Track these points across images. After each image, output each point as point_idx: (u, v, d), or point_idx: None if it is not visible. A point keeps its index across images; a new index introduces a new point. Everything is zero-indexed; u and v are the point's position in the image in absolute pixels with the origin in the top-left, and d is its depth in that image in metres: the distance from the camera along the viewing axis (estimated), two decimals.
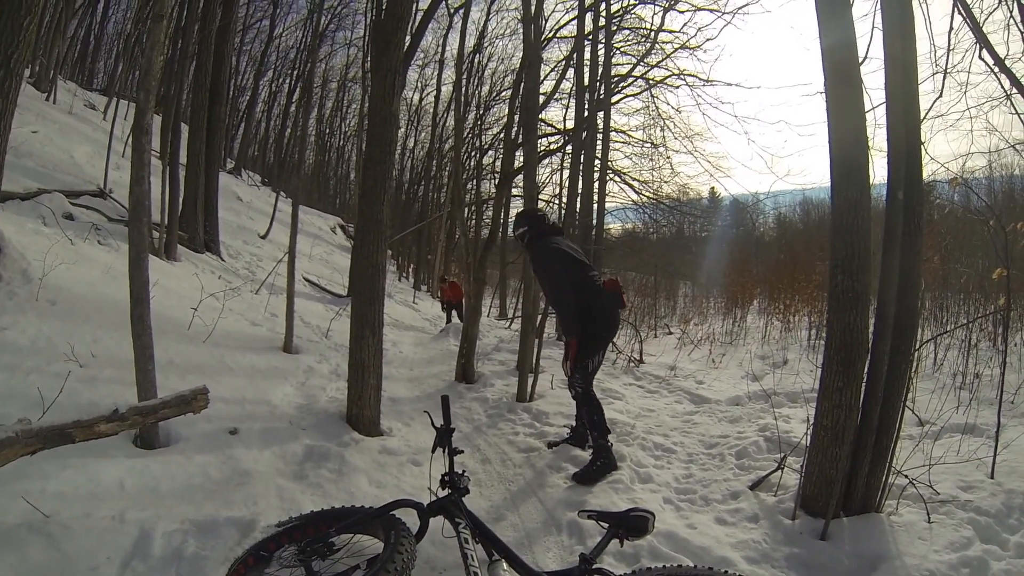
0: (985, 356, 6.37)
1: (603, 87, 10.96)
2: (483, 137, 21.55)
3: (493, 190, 20.38)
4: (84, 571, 2.36)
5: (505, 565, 2.41)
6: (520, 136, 9.39)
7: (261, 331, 6.79)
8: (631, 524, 2.34)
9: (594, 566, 2.24)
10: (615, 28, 11.86)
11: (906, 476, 3.55)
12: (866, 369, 3.37)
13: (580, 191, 10.22)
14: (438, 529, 2.73)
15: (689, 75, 11.30)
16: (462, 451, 2.94)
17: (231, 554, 2.65)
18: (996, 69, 4.05)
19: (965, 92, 4.48)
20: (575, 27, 10.85)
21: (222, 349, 5.43)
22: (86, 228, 7.20)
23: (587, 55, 10.13)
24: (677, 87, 11.90)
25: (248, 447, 3.83)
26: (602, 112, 11.27)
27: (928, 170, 3.83)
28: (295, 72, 28.43)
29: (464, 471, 2.81)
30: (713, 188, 23.07)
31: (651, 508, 3.25)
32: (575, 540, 3.21)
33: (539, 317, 7.21)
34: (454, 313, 14.92)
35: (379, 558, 2.39)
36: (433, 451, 2.85)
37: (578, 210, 10.95)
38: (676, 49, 11.08)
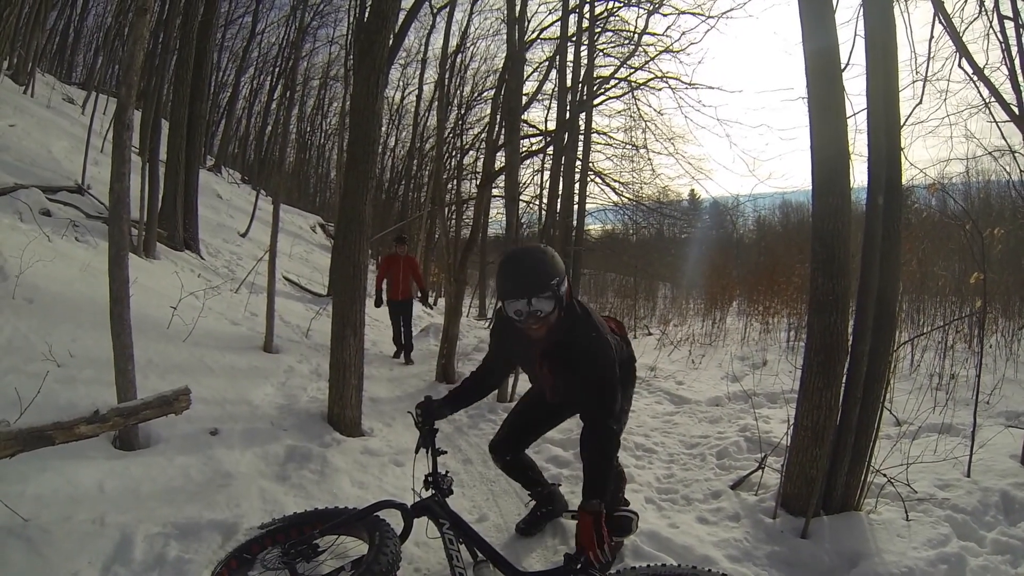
0: (961, 358, 6.47)
1: (586, 89, 11.00)
2: (464, 137, 21.50)
3: (474, 190, 20.33)
4: None
5: (491, 566, 2.42)
6: (502, 137, 9.39)
7: (241, 330, 6.72)
8: (615, 524, 2.36)
9: (579, 566, 2.25)
10: (599, 30, 11.90)
11: (884, 475, 3.61)
12: (845, 370, 3.42)
13: (561, 192, 10.22)
14: (422, 530, 2.73)
15: (672, 78, 11.44)
16: (445, 452, 2.94)
17: (214, 557, 2.63)
18: (975, 78, 4.13)
19: (945, 100, 4.56)
20: (559, 28, 10.86)
21: (202, 348, 5.37)
22: (64, 225, 7.07)
23: (570, 56, 10.12)
24: (659, 90, 12.01)
25: (229, 448, 3.80)
26: (584, 113, 11.30)
27: (907, 175, 3.90)
28: (276, 69, 28.03)
29: (447, 472, 2.81)
30: (693, 190, 23.12)
31: (633, 508, 3.28)
32: (559, 540, 3.22)
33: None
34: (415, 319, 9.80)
35: (364, 559, 2.40)
36: (416, 452, 2.84)
37: (558, 211, 10.97)
38: (660, 52, 11.20)
